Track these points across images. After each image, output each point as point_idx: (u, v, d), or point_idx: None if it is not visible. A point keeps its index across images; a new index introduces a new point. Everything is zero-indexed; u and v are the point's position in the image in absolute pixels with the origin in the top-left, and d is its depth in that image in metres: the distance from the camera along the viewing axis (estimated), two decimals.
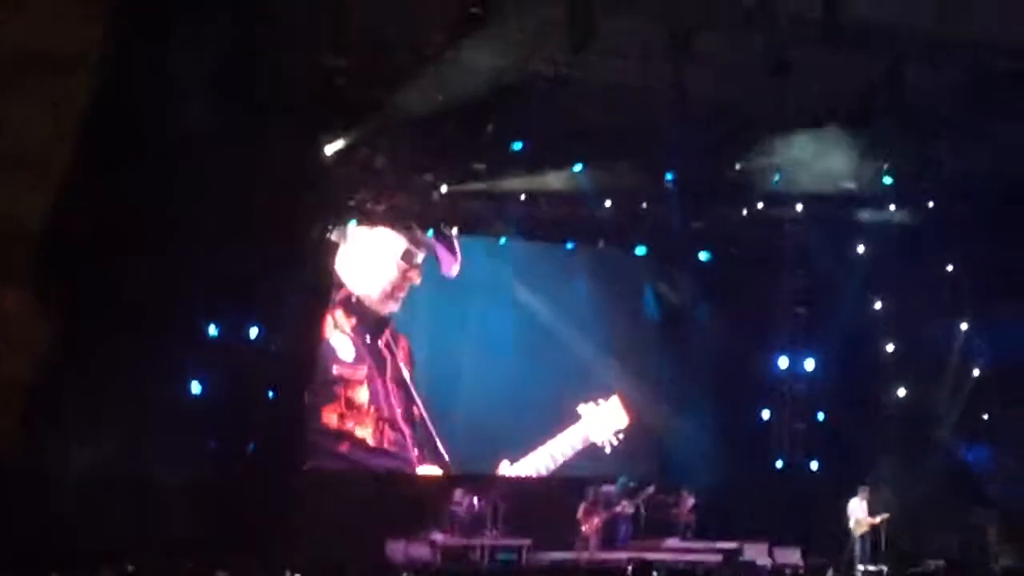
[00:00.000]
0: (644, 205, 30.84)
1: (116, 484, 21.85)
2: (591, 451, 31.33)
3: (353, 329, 29.99)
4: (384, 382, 30.17)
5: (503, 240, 31.09)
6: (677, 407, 31.54)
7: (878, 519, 28.20)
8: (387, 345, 30.26)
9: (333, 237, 28.67)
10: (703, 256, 32.51)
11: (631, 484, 30.09)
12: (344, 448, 29.55)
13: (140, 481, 22.48)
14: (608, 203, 30.31)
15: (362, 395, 29.89)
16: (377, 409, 30.06)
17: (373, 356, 30.12)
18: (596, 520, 28.99)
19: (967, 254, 29.08)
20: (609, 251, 32.67)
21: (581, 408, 31.41)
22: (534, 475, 31.01)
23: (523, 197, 29.56)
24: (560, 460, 31.26)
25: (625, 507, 29.56)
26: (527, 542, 28.29)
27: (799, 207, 30.94)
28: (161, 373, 24.65)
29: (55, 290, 20.00)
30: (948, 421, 29.98)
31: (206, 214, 23.38)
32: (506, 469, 30.80)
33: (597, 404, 31.61)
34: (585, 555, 28.17)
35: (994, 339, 29.56)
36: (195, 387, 25.98)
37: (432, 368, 30.66)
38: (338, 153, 26.60)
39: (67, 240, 19.98)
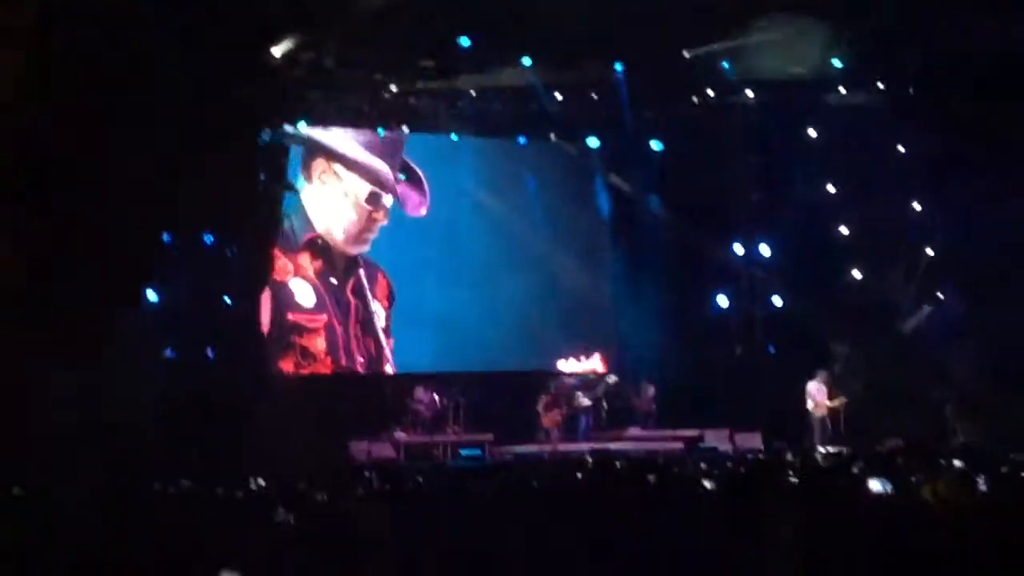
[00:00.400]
0: (595, 96, 30.75)
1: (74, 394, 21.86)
2: (548, 343, 31.32)
3: (318, 273, 29.94)
4: (346, 329, 30.11)
5: (454, 137, 30.92)
6: (634, 298, 31.54)
7: (836, 401, 28.44)
8: (354, 290, 30.24)
9: (284, 140, 28.44)
10: (655, 146, 32.38)
11: (590, 376, 30.17)
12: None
13: (97, 391, 22.43)
14: (558, 96, 30.21)
15: (319, 344, 29.85)
16: (335, 360, 30.04)
17: (337, 302, 30.08)
18: (557, 413, 29.11)
19: (919, 135, 29.04)
20: (561, 145, 32.53)
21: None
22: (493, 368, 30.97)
23: (473, 93, 29.45)
24: None
25: (584, 399, 29.66)
26: (489, 437, 28.42)
27: (750, 93, 30.89)
28: (116, 283, 24.54)
29: (11, 204, 19.93)
30: (903, 302, 30.09)
31: (157, 122, 23.21)
32: None
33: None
34: (548, 448, 28.29)
35: (947, 219, 29.63)
36: (151, 296, 25.88)
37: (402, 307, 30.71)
38: (287, 54, 26.40)
39: (21, 157, 19.87)
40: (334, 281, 29.97)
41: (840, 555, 5.93)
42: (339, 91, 28.93)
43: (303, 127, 29.04)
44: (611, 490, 12.47)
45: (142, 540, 7.76)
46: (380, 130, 30.18)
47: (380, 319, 30.48)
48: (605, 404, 30.26)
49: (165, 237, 26.17)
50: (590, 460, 21.78)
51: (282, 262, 29.33)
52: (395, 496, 12.67)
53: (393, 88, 29.03)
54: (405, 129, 30.40)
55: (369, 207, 30.40)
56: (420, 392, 29.27)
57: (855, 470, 13.79)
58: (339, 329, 29.97)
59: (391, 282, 30.63)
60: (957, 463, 14.63)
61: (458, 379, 30.10)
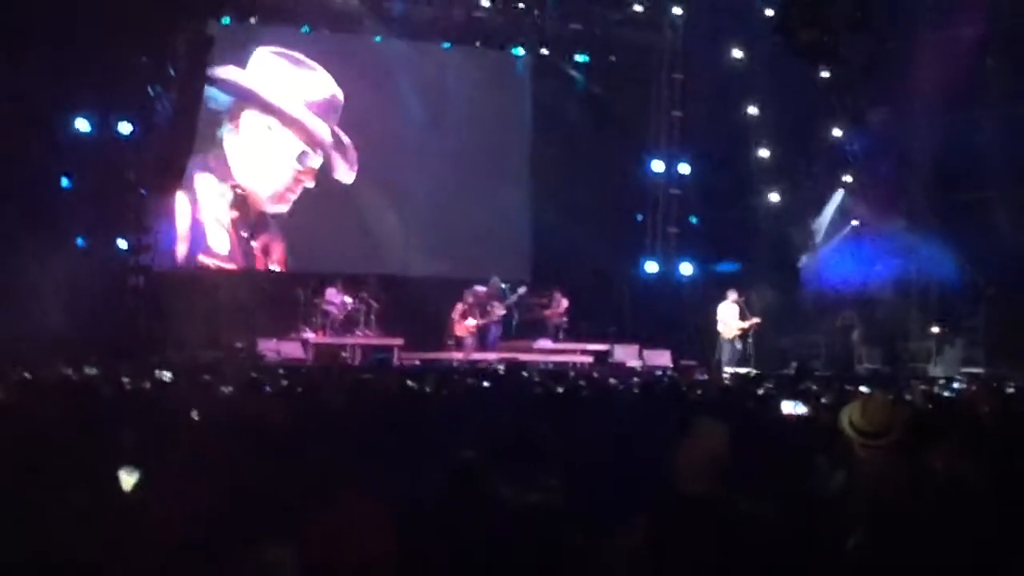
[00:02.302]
0: (521, 6, 30.63)
1: None
2: (463, 251, 31.26)
3: (232, 223, 29.59)
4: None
5: (378, 39, 30.66)
6: (551, 209, 31.50)
7: (747, 323, 28.58)
8: (264, 248, 29.96)
9: (207, 32, 28.09)
10: (580, 58, 32.31)
11: (503, 284, 30.15)
12: None
13: (8, 281, 22.26)
14: (485, 3, 30.08)
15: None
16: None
17: (245, 255, 29.84)
18: (472, 322, 29.11)
19: (841, 59, 29.12)
20: (486, 52, 32.37)
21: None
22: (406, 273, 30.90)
23: None
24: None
25: (497, 308, 29.65)
26: (399, 341, 28.41)
27: (676, 10, 30.87)
28: (30, 168, 24.30)
29: None
30: (817, 226, 30.29)
31: (76, 10, 22.88)
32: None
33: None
34: (460, 355, 28.33)
35: (865, 145, 29.79)
36: (63, 182, 25.63)
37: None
38: None
39: None
40: (244, 234, 29.67)
41: (748, 471, 5.95)
42: None
43: (232, 70, 28.92)
44: (519, 398, 12.51)
45: (42, 424, 7.69)
46: (305, 28, 29.85)
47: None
48: (517, 315, 30.28)
49: (82, 124, 25.87)
50: (500, 369, 21.93)
51: (206, 204, 29.12)
52: (301, 396, 12.64)
53: None
54: (328, 30, 30.12)
55: (299, 166, 30.06)
56: (331, 293, 29.16)
57: (761, 391, 13.92)
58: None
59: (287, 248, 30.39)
60: (864, 388, 14.79)
61: (370, 281, 29.99)
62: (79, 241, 25.83)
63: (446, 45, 31.66)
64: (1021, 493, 5.97)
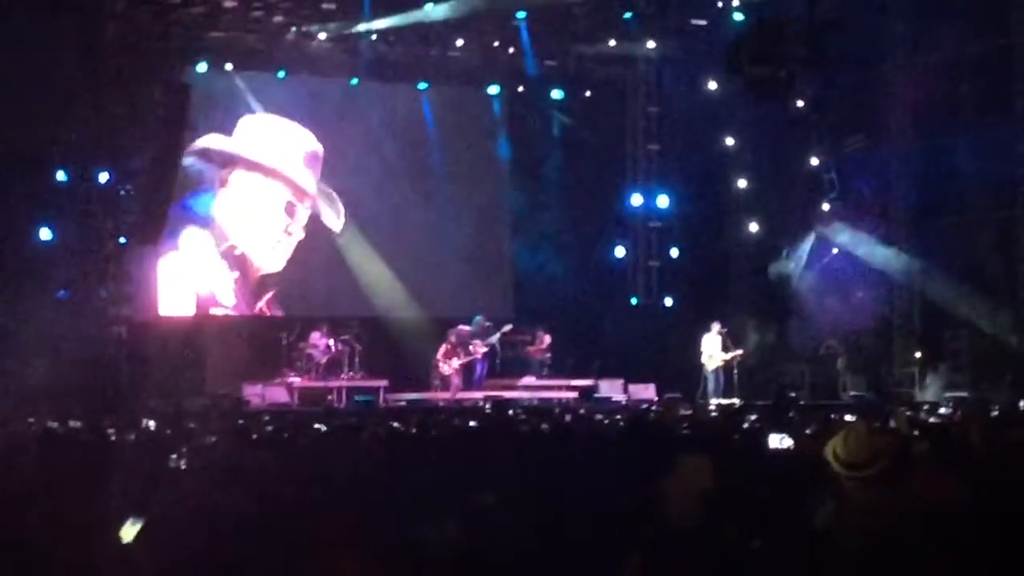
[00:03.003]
0: (496, 44, 30.72)
1: None
2: (445, 291, 31.28)
3: (236, 282, 29.67)
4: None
5: (355, 81, 30.72)
6: (532, 247, 31.55)
7: (730, 354, 28.60)
8: (268, 305, 30.03)
9: (184, 79, 28.14)
10: (556, 94, 32.40)
11: (487, 323, 30.17)
12: None
13: None
14: (460, 42, 30.17)
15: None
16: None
17: (249, 308, 29.95)
18: (456, 361, 29.10)
19: (817, 90, 29.23)
20: (462, 91, 32.46)
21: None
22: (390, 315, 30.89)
23: (374, 37, 29.29)
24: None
25: (480, 347, 29.65)
26: (384, 383, 28.39)
27: (650, 44, 30.97)
28: (9, 219, 24.28)
29: None
30: (798, 255, 30.30)
31: (55, 61, 22.93)
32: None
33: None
34: (446, 395, 28.33)
35: (842, 173, 29.88)
36: (44, 234, 25.62)
37: None
38: None
39: None
40: (247, 294, 29.77)
41: (737, 505, 5.97)
42: (239, 32, 28.67)
43: (217, 138, 29.08)
44: (506, 436, 12.50)
45: (28, 480, 7.67)
46: (281, 73, 29.90)
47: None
48: (500, 351, 30.29)
49: (60, 175, 25.88)
50: (486, 408, 21.90)
51: (208, 265, 29.19)
52: (288, 441, 12.62)
53: (293, 30, 28.83)
54: (305, 73, 30.17)
55: (287, 218, 30.12)
56: (315, 336, 29.15)
57: (746, 424, 13.92)
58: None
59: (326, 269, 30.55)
60: (848, 417, 14.81)
61: (354, 324, 30.00)
62: (60, 292, 25.79)
63: (422, 85, 31.71)
64: (1013, 518, 5.97)
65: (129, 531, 6.60)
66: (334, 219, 30.36)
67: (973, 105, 26.99)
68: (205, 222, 29.14)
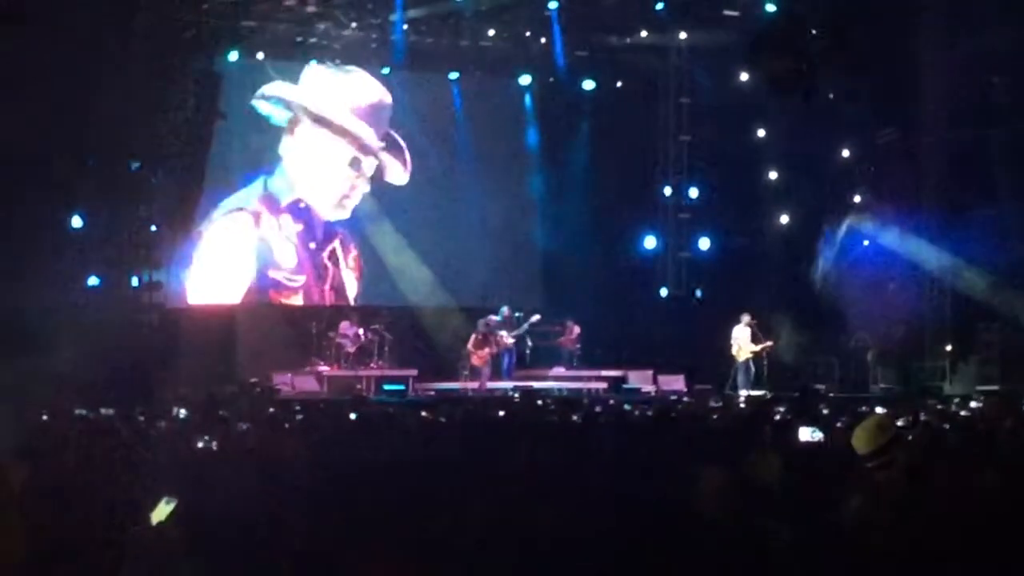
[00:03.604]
0: (527, 34, 30.69)
1: None
2: (474, 280, 31.31)
3: (299, 236, 29.87)
4: (321, 293, 30.24)
5: (386, 70, 30.72)
6: (562, 237, 31.54)
7: (760, 346, 28.53)
8: (331, 255, 30.11)
9: (216, 68, 28.19)
10: (588, 84, 32.33)
11: (516, 313, 30.18)
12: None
13: (19, 318, 22.23)
14: (491, 32, 30.16)
15: (295, 301, 30.06)
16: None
17: (315, 265, 30.06)
18: (486, 351, 29.10)
19: (847, 82, 29.14)
20: (493, 80, 32.43)
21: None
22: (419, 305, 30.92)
23: (405, 27, 29.30)
24: None
25: (509, 337, 29.65)
26: (413, 372, 28.43)
27: (683, 35, 30.94)
28: (40, 207, 24.32)
29: None
30: (829, 247, 30.20)
31: (86, 48, 22.96)
32: None
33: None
34: (474, 385, 28.34)
35: (874, 165, 29.82)
36: (76, 221, 25.69)
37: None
38: None
39: None
40: (312, 246, 29.96)
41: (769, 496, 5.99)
42: (270, 22, 28.71)
43: (283, 86, 29.32)
44: (535, 426, 12.52)
45: (59, 469, 7.72)
46: (313, 60, 29.89)
47: (352, 289, 30.59)
48: (530, 343, 30.30)
49: (90, 162, 25.95)
50: (515, 397, 21.91)
51: (269, 221, 29.40)
52: (319, 430, 12.66)
53: (326, 20, 28.86)
54: (337, 62, 30.17)
55: (353, 171, 30.23)
56: (345, 326, 29.21)
57: (777, 416, 13.89)
58: (315, 291, 30.13)
59: (362, 255, 30.54)
60: (879, 409, 14.79)
61: (384, 314, 30.07)
62: (92, 279, 25.87)
63: (453, 75, 31.68)
64: None
65: (162, 511, 6.64)
66: (400, 172, 30.62)
67: (1006, 96, 26.90)
68: (270, 170, 29.54)
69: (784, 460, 6.74)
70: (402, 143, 30.59)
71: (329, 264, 30.13)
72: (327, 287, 30.19)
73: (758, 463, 6.28)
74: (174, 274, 27.78)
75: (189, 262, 28.52)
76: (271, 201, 29.40)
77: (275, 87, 29.21)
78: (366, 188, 30.32)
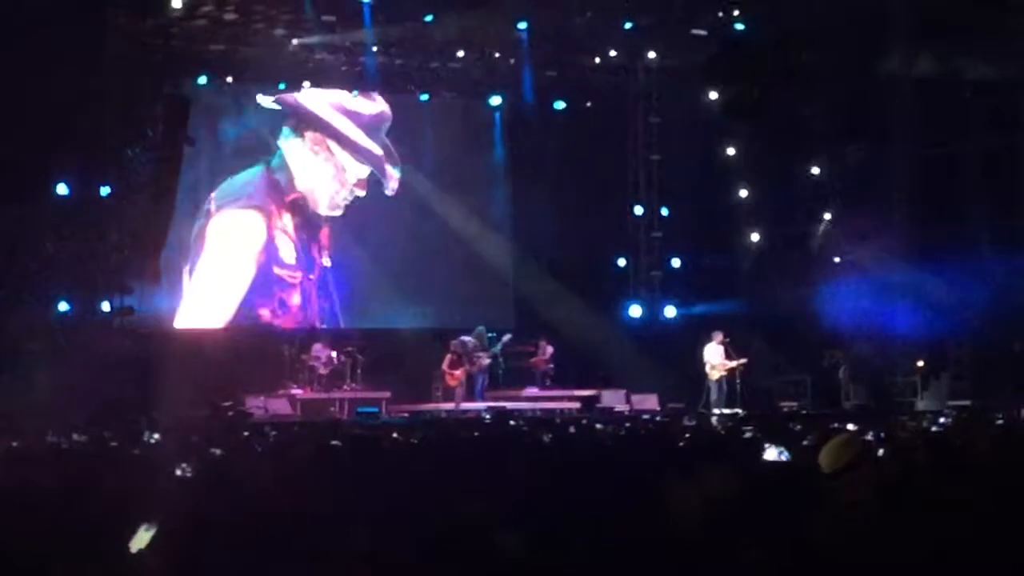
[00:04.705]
0: (497, 55, 30.76)
1: None
2: (447, 302, 31.34)
3: (295, 229, 30.20)
4: (311, 286, 30.45)
5: (355, 93, 30.79)
6: (533, 257, 31.59)
7: (733, 363, 28.61)
8: (318, 249, 30.36)
9: (185, 92, 28.24)
10: (557, 105, 32.39)
11: (489, 334, 30.21)
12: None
13: None
14: (461, 53, 30.22)
15: (294, 299, 30.33)
16: (305, 314, 30.48)
17: (307, 258, 30.35)
18: (460, 372, 29.12)
19: (818, 99, 29.27)
20: (463, 101, 32.50)
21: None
22: (390, 328, 30.94)
23: (374, 49, 29.37)
24: None
25: (483, 357, 29.69)
26: (386, 395, 28.42)
27: (651, 54, 31.05)
28: (12, 232, 24.29)
29: None
30: (799, 265, 30.28)
31: (54, 72, 22.95)
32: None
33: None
34: (449, 406, 28.34)
35: (844, 181, 29.93)
36: (48, 247, 25.66)
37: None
38: (186, 6, 26.23)
39: None
40: (305, 237, 30.29)
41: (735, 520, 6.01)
42: (239, 46, 28.73)
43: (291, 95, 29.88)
44: (508, 447, 12.52)
45: (27, 497, 7.70)
46: (281, 84, 29.94)
47: (330, 278, 30.74)
48: (503, 363, 30.34)
49: (63, 188, 25.92)
50: (487, 418, 21.91)
51: (273, 219, 29.83)
52: (290, 453, 12.63)
53: (294, 43, 28.90)
54: (307, 84, 30.21)
55: (352, 180, 30.69)
56: (317, 348, 29.21)
57: (747, 435, 13.91)
58: (308, 286, 30.41)
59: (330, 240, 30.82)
60: (850, 426, 14.82)
61: (356, 336, 30.09)
62: (63, 305, 25.81)
63: (424, 97, 31.75)
64: (1014, 526, 6.00)
65: (141, 539, 6.61)
66: (394, 180, 30.99)
67: (976, 112, 27.07)
68: (270, 162, 30.00)
69: (745, 478, 6.78)
70: (394, 151, 30.96)
71: (317, 256, 30.41)
72: (316, 279, 30.58)
73: (714, 481, 6.31)
74: (147, 299, 27.74)
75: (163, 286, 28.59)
76: (276, 194, 29.94)
77: (286, 95, 30.00)
78: (362, 193, 30.71)
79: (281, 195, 29.92)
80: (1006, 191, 26.72)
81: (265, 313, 29.86)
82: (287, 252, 29.97)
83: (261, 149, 30.19)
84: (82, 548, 6.41)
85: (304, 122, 30.30)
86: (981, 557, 5.70)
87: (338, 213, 30.57)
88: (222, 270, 29.45)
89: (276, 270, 29.87)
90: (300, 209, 30.10)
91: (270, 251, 29.75)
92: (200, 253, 29.31)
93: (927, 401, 27.25)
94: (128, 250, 27.03)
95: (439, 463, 10.50)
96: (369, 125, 30.65)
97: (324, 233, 30.50)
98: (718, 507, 6.15)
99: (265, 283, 29.77)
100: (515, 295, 32.38)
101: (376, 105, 30.67)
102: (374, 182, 30.97)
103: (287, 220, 29.94)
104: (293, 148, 30.15)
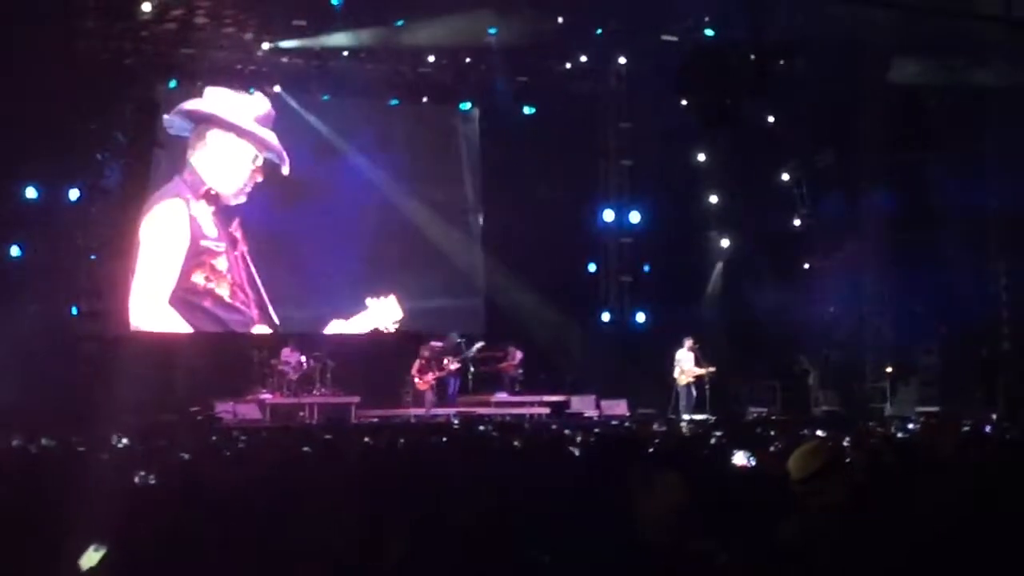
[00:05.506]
0: (467, 60, 30.76)
1: None
2: (417, 307, 31.30)
3: (213, 215, 30.33)
4: (234, 256, 30.36)
5: (326, 97, 30.78)
6: (504, 262, 31.56)
7: (702, 371, 28.66)
8: (236, 229, 30.44)
9: (154, 96, 28.23)
10: (528, 110, 32.40)
11: (459, 339, 30.24)
12: (207, 303, 30.11)
13: None
14: (431, 58, 30.22)
15: (221, 264, 30.27)
16: (232, 275, 30.34)
17: (227, 236, 30.38)
18: (431, 377, 29.16)
19: (788, 106, 29.35)
20: (434, 108, 32.48)
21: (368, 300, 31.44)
22: (362, 332, 30.92)
23: (345, 54, 29.34)
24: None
25: (453, 363, 29.73)
26: (356, 399, 28.38)
27: (621, 59, 31.10)
28: None
29: None
30: (769, 271, 30.34)
31: (23, 77, 22.88)
32: (335, 327, 30.82)
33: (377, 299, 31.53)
34: (420, 411, 28.34)
35: (814, 189, 30.04)
36: (14, 250, 25.56)
37: (267, 248, 30.63)
38: (156, 10, 26.17)
39: None
40: (222, 222, 30.43)
41: (706, 520, 6.03)
42: (210, 49, 28.68)
43: (192, 100, 29.72)
44: (477, 453, 12.52)
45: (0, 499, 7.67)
46: (251, 89, 29.94)
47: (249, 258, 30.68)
48: (473, 368, 30.37)
49: (30, 191, 25.85)
50: (456, 424, 21.91)
51: (193, 203, 30.06)
52: (260, 458, 12.61)
53: (265, 47, 28.87)
54: (277, 88, 30.21)
55: (252, 166, 30.61)
56: (287, 353, 29.19)
57: (713, 440, 13.94)
58: (231, 255, 30.40)
59: (254, 235, 30.78)
60: (819, 432, 14.87)
61: (325, 341, 30.06)
62: (30, 309, 25.72)
63: (394, 102, 31.73)
64: (980, 530, 6.02)
65: (90, 559, 6.55)
66: (285, 167, 30.82)
67: (941, 122, 27.15)
68: (183, 170, 30.10)
69: (713, 483, 6.80)
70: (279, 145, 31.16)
71: (236, 236, 30.51)
72: (236, 254, 30.51)
73: (683, 486, 6.33)
74: (114, 303, 27.70)
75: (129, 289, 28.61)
76: (192, 190, 30.14)
77: (191, 103, 29.83)
78: (260, 178, 30.74)
79: (195, 189, 30.32)
80: (976, 197, 26.77)
81: (199, 279, 30.01)
82: (209, 228, 30.39)
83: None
84: (44, 555, 6.38)
85: (208, 125, 30.43)
86: (949, 559, 5.72)
87: (243, 200, 30.74)
88: (157, 252, 29.75)
89: (202, 242, 30.21)
90: (213, 199, 30.50)
91: (194, 228, 30.15)
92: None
93: (896, 407, 27.31)
94: (96, 254, 26.97)
95: (410, 467, 10.50)
96: (263, 121, 30.79)
97: (240, 225, 30.78)
98: (686, 512, 6.16)
99: (195, 252, 30.10)
100: (486, 301, 32.33)
101: (264, 105, 30.80)
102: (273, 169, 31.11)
103: (203, 206, 30.39)
104: (200, 152, 30.40)
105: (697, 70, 24.08)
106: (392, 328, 31.36)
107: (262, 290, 30.44)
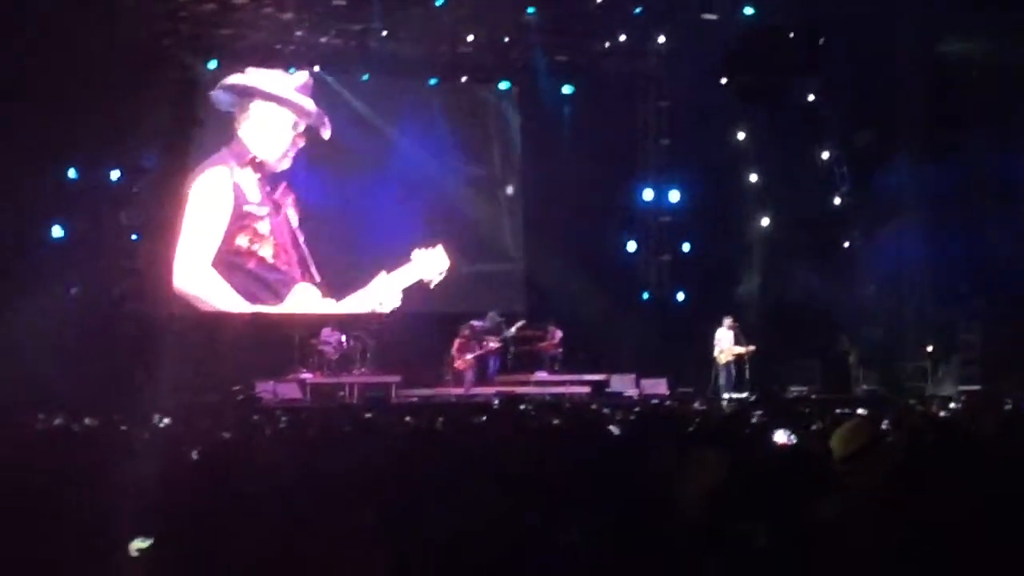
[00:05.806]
0: (506, 39, 30.70)
1: None
2: (457, 286, 31.32)
3: (258, 181, 30.61)
4: (278, 220, 30.64)
5: (365, 77, 30.81)
6: (543, 242, 31.53)
7: (743, 348, 28.60)
8: (281, 195, 30.74)
9: (194, 76, 28.34)
10: (567, 89, 32.36)
11: (500, 319, 30.25)
12: (251, 264, 30.48)
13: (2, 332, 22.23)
14: (470, 38, 30.17)
15: (264, 227, 30.55)
16: (275, 236, 30.63)
17: (271, 201, 30.68)
18: (470, 356, 29.19)
19: (828, 84, 29.25)
20: (473, 87, 32.46)
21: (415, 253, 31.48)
22: (400, 312, 30.97)
23: (384, 33, 29.31)
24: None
25: (493, 342, 29.75)
26: (396, 379, 28.44)
27: (660, 38, 30.99)
28: (21, 217, 24.33)
29: None
30: (808, 250, 30.24)
31: (64, 59, 22.97)
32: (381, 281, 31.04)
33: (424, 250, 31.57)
34: (459, 390, 28.40)
35: (854, 167, 29.90)
36: (56, 231, 25.68)
37: (312, 216, 30.87)
38: None
39: None
40: (268, 188, 30.69)
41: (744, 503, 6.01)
42: (249, 29, 28.71)
43: (236, 76, 29.99)
44: (516, 433, 12.51)
45: (42, 479, 7.69)
46: (291, 69, 30.02)
47: (294, 220, 30.95)
48: (513, 348, 30.38)
49: (72, 172, 25.97)
50: (496, 403, 21.90)
51: (237, 170, 30.31)
52: (302, 437, 12.64)
53: (304, 27, 28.89)
54: (316, 68, 30.28)
55: (294, 132, 30.86)
56: (327, 333, 29.27)
57: (754, 419, 13.90)
58: (274, 219, 30.74)
59: (300, 199, 31.14)
60: (860, 411, 14.81)
61: (366, 320, 30.12)
62: (72, 289, 25.85)
63: (433, 81, 31.75)
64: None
65: (138, 546, 6.58)
66: (327, 132, 31.06)
67: (981, 97, 26.99)
68: (230, 141, 30.41)
69: (753, 463, 6.76)
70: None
71: (281, 201, 30.88)
72: (281, 217, 30.87)
73: (723, 465, 6.31)
74: (155, 283, 27.84)
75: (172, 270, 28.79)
76: (237, 158, 30.45)
77: (234, 78, 30.17)
78: (302, 143, 31.03)
79: (240, 158, 30.61)
80: (1018, 172, 26.62)
81: (243, 241, 30.28)
82: (252, 193, 30.66)
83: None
84: (88, 535, 6.42)
85: (251, 97, 30.75)
86: (988, 540, 5.69)
87: (287, 165, 31.06)
88: (201, 217, 30.06)
89: (245, 207, 30.46)
90: (258, 166, 30.83)
91: (237, 193, 30.44)
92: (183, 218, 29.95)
93: (937, 386, 27.22)
94: (138, 234, 27.10)
95: (451, 449, 10.51)
96: (302, 90, 31.06)
97: (283, 189, 31.20)
98: (726, 492, 6.14)
99: (238, 216, 30.36)
100: (526, 280, 32.34)
101: (302, 77, 31.07)
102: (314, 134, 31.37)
103: (248, 172, 30.75)
104: (244, 124, 30.76)
105: (749, 50, 23.99)
106: (438, 279, 31.35)
107: (305, 249, 30.66)
